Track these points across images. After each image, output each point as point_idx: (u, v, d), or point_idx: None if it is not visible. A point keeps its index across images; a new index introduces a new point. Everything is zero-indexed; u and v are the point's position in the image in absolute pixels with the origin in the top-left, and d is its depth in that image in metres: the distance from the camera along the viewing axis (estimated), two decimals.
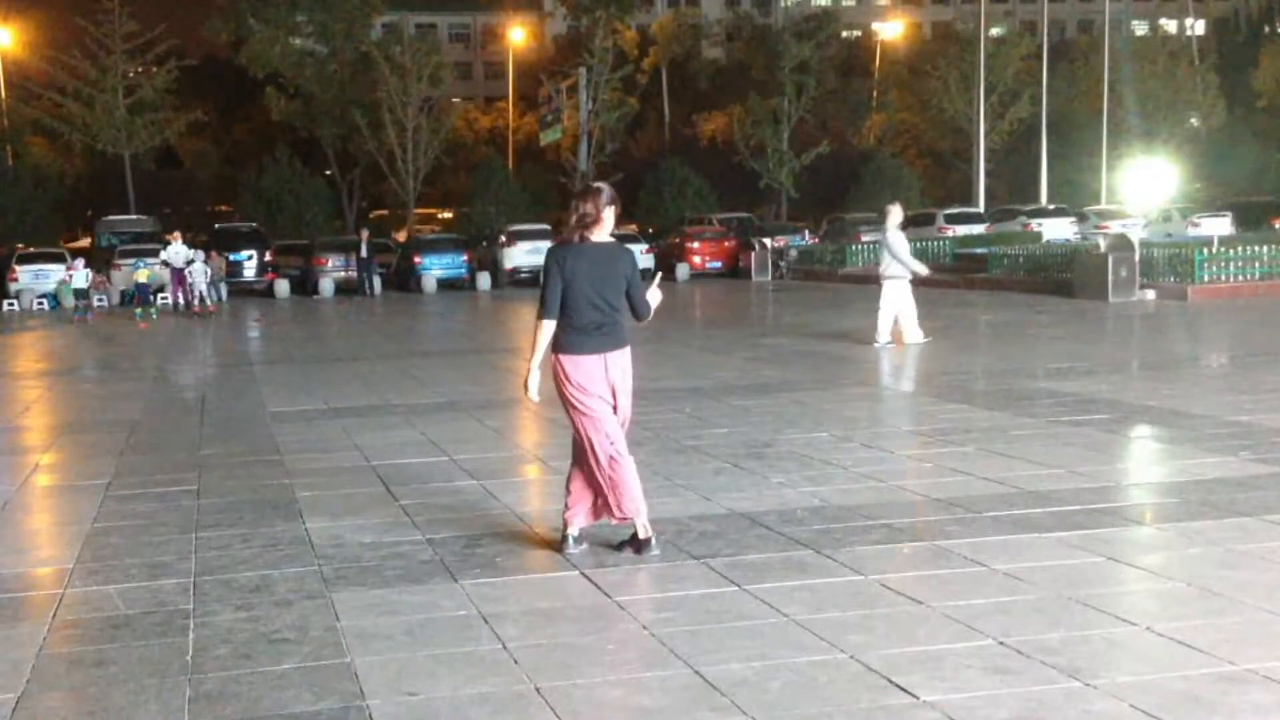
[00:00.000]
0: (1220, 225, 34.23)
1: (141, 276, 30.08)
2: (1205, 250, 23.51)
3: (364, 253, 34.17)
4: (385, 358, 16.97)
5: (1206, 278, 22.82)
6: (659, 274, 6.44)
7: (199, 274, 28.99)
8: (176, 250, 29.15)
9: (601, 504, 6.17)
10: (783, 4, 67.45)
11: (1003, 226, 39.55)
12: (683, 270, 37.74)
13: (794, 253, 37.39)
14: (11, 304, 33.13)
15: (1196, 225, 36.55)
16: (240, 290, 35.43)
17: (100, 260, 35.12)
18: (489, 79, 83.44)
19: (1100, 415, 9.94)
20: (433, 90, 49.78)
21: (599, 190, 6.10)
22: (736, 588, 5.58)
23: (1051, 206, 42.91)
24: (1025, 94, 51.09)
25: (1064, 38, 72.61)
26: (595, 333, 6.03)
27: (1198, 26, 69.01)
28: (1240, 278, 23.15)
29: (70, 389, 15.03)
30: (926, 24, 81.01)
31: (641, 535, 6.15)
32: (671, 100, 70.24)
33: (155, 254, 31.56)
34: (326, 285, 35.07)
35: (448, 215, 61.98)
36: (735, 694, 4.35)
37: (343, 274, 35.92)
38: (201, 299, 28.84)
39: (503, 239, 37.50)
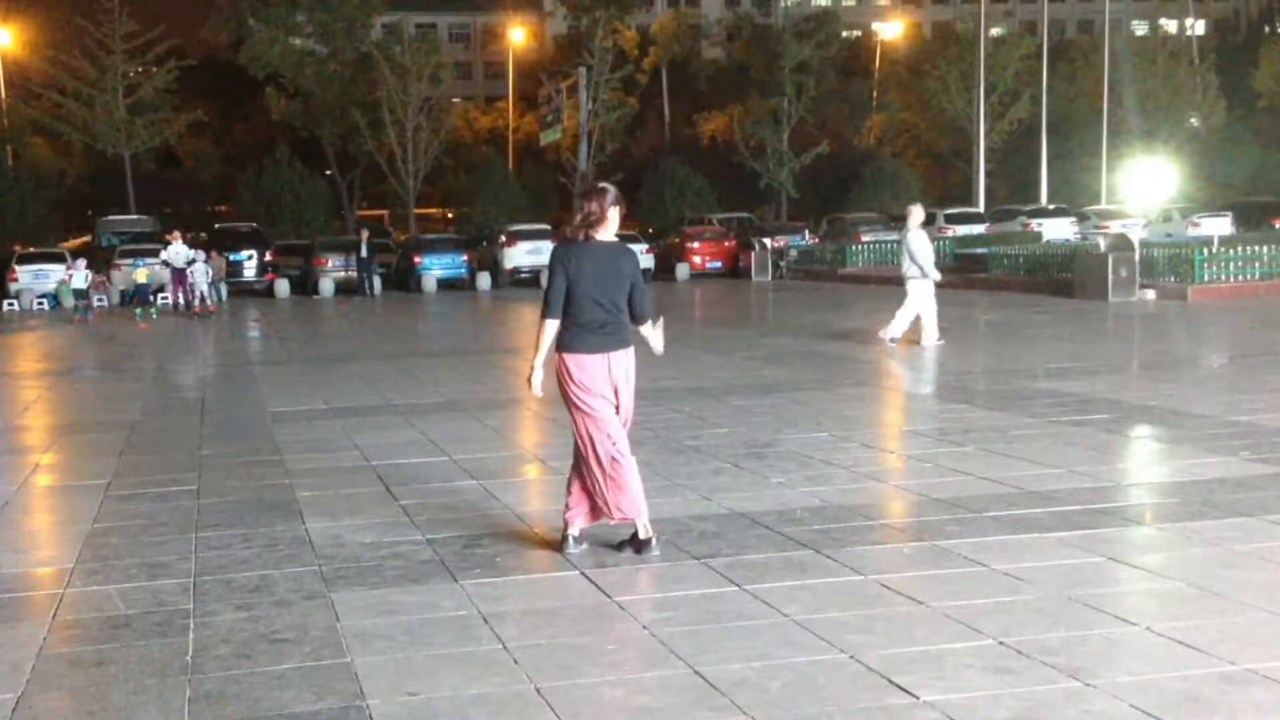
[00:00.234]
0: (1220, 225, 34.23)
1: (140, 276, 30.09)
2: (1205, 250, 23.51)
3: (364, 253, 34.18)
4: (385, 358, 16.97)
5: (1206, 278, 22.83)
6: (662, 318, 6.46)
7: (200, 274, 29.00)
8: (177, 250, 29.14)
9: (601, 504, 6.16)
10: (783, 4, 67.41)
11: (1003, 226, 39.58)
12: (683, 270, 37.75)
13: (794, 253, 37.40)
14: (11, 304, 33.14)
15: (1196, 225, 36.55)
16: (240, 290, 35.45)
17: (100, 260, 35.11)
18: (489, 79, 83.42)
19: (1100, 415, 9.94)
20: (433, 90, 49.81)
21: (604, 190, 6.11)
22: (736, 588, 5.58)
23: (1051, 206, 42.93)
24: (1025, 94, 51.12)
25: (1064, 38, 72.59)
26: (599, 332, 6.03)
27: (1198, 26, 68.98)
28: (1240, 278, 23.15)
29: (70, 389, 15.03)
30: (926, 24, 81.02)
31: (642, 535, 6.15)
32: (671, 100, 70.25)
33: (155, 254, 31.57)
34: (326, 285, 35.07)
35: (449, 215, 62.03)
36: (735, 694, 4.35)
37: (343, 274, 35.92)
38: (202, 299, 28.84)
39: (503, 239, 37.51)
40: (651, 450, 8.78)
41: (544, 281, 28.38)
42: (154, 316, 28.16)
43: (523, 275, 36.13)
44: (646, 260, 33.37)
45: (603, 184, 6.22)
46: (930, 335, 15.84)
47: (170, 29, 47.96)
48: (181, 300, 29.20)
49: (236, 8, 52.22)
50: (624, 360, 6.12)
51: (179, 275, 29.09)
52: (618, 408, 6.13)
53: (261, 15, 51.27)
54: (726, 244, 39.43)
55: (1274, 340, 15.85)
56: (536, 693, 4.42)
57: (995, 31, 55.79)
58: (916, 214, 16.20)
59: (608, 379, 6.07)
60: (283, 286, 35.35)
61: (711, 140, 62.37)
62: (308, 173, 49.11)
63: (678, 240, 40.43)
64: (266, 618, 5.36)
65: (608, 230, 6.09)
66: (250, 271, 36.29)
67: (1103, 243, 24.11)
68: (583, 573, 5.91)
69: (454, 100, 63.86)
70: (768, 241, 37.24)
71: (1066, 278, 24.37)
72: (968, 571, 5.74)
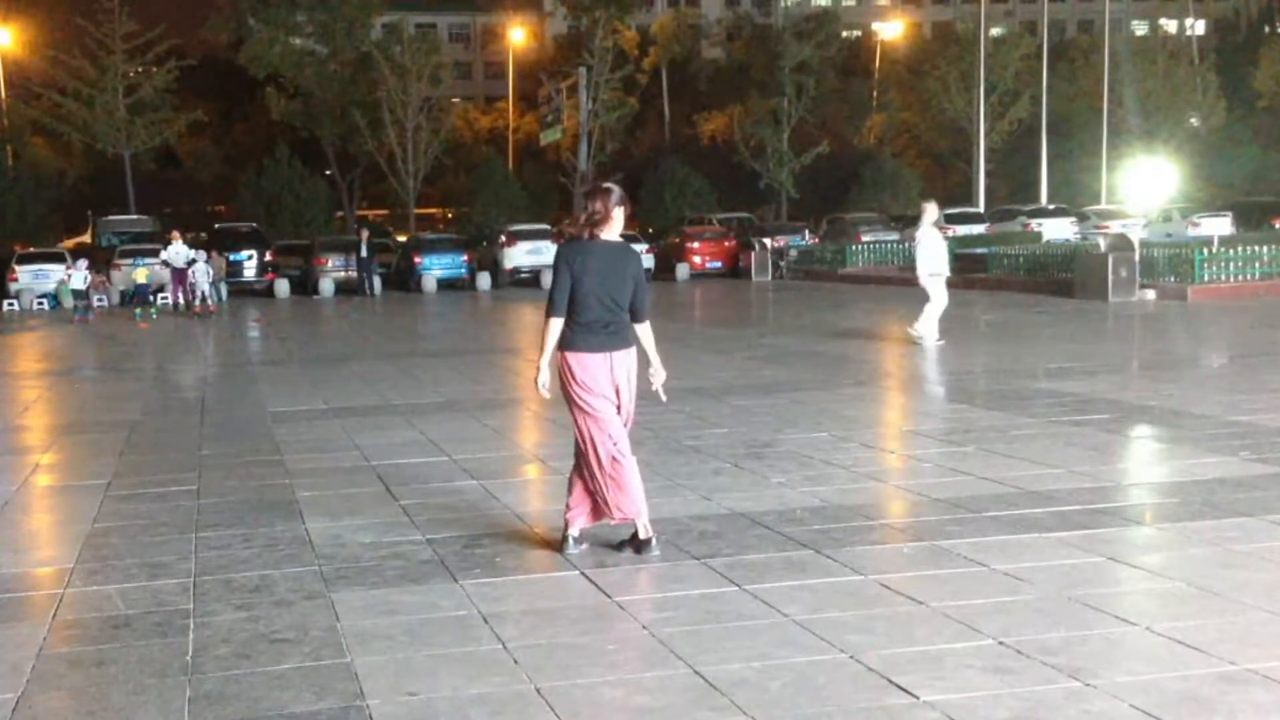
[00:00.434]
0: (1220, 225, 34.23)
1: (140, 276, 30.08)
2: (1205, 250, 23.51)
3: (364, 253, 34.18)
4: (385, 357, 16.97)
5: (1206, 278, 22.82)
6: (665, 376, 6.45)
7: (201, 274, 29.01)
8: (177, 250, 29.15)
9: (602, 504, 6.16)
10: (783, 4, 67.45)
11: (1003, 226, 39.58)
12: (683, 270, 37.73)
13: (794, 253, 37.39)
14: (11, 304, 33.14)
15: (1196, 225, 36.56)
16: (240, 290, 35.45)
17: (100, 260, 35.12)
18: (489, 79, 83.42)
19: (1100, 415, 9.94)
20: (433, 90, 49.81)
21: (609, 190, 6.12)
22: (736, 588, 5.58)
23: (1051, 206, 42.93)
24: (1025, 94, 51.12)
25: (1064, 38, 72.61)
26: (602, 331, 6.03)
27: (1198, 26, 69.01)
28: (1240, 278, 23.15)
29: (70, 389, 15.03)
30: (926, 24, 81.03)
31: (642, 535, 6.15)
32: (671, 100, 70.22)
33: (155, 254, 31.57)
34: (326, 285, 35.07)
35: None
36: (735, 694, 4.35)
37: (343, 274, 35.92)
38: (203, 299, 28.85)
39: (503, 239, 37.52)
40: (651, 450, 8.78)
41: (544, 282, 28.23)
42: (154, 316, 28.17)
43: (523, 275, 36.12)
44: (647, 260, 33.35)
45: (607, 184, 6.23)
46: (931, 334, 15.83)
47: (170, 29, 48.05)
48: (181, 300, 29.20)
49: (236, 8, 52.22)
50: (626, 360, 6.13)
51: (179, 275, 29.11)
52: (619, 407, 6.13)
53: (261, 15, 51.27)
54: (726, 244, 39.42)
55: (1274, 340, 15.85)
56: (536, 693, 4.42)
57: (995, 31, 55.79)
58: (930, 212, 16.06)
59: (609, 378, 6.07)
60: (283, 286, 35.35)
61: (711, 140, 62.35)
62: (308, 173, 49.11)
63: (678, 240, 40.42)
64: (266, 618, 5.36)
65: (613, 230, 6.09)
66: (250, 271, 36.29)
67: (1103, 243, 24.11)
68: (583, 573, 5.91)
69: (454, 100, 63.88)
70: (768, 241, 37.23)
71: (1066, 278, 24.37)
72: (968, 571, 5.74)
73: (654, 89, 68.43)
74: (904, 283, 23.07)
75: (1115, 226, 33.85)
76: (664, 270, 37.71)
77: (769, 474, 8.04)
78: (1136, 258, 22.77)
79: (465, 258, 36.48)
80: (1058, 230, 37.84)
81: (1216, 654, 4.58)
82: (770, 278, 35.53)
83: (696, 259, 38.66)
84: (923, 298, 15.87)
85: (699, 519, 6.86)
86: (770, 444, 9.13)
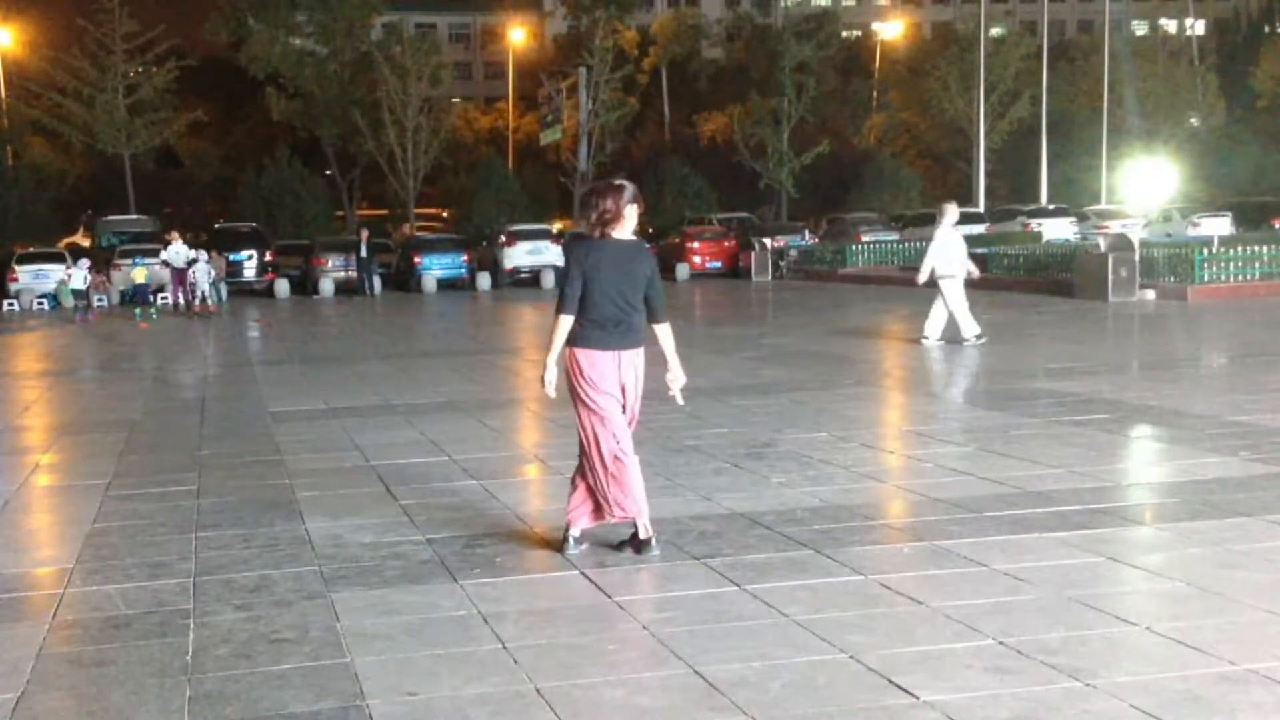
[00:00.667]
0: (1220, 225, 34.24)
1: (139, 276, 30.08)
2: (1205, 250, 23.51)
3: (364, 253, 34.17)
4: (385, 358, 16.97)
5: (1206, 278, 22.82)
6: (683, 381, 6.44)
7: (201, 274, 29.01)
8: (177, 250, 29.15)
9: (603, 502, 6.15)
10: (783, 4, 67.49)
11: (1003, 226, 39.60)
12: (683, 270, 37.73)
13: (794, 253, 37.38)
14: (11, 304, 33.14)
15: (1196, 225, 36.57)
16: (240, 290, 35.44)
17: (100, 260, 35.13)
18: (489, 79, 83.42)
19: (1100, 415, 9.93)
20: (433, 90, 49.78)
21: (621, 187, 6.05)
22: (736, 588, 5.58)
23: (1051, 206, 42.96)
24: (1025, 94, 51.10)
25: (1064, 38, 72.63)
26: (613, 330, 6.01)
27: (1198, 26, 69.03)
28: (1240, 278, 23.14)
29: (70, 389, 15.03)
30: (926, 24, 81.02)
31: (642, 535, 6.15)
32: (671, 100, 70.21)
33: (155, 254, 31.56)
34: (326, 285, 35.06)
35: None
36: (735, 694, 4.35)
37: (343, 274, 35.91)
38: (203, 299, 28.85)
39: (503, 239, 37.52)
40: (651, 450, 8.77)
41: (544, 282, 28.26)
42: (154, 316, 28.17)
43: (522, 275, 36.12)
44: None
45: (620, 181, 6.15)
46: (933, 333, 15.85)
47: (170, 29, 48.00)
48: (181, 300, 29.20)
49: (236, 8, 52.19)
50: (634, 360, 6.11)
51: (179, 275, 29.11)
52: (624, 406, 6.12)
53: (261, 15, 51.25)
54: (726, 244, 39.40)
55: (1274, 340, 15.85)
56: (536, 693, 4.42)
57: (995, 31, 55.79)
58: (950, 212, 16.02)
59: (616, 377, 6.06)
60: (283, 286, 35.34)
61: (711, 140, 62.33)
62: (308, 173, 49.11)
63: (678, 240, 40.40)
64: (266, 618, 5.36)
65: (624, 228, 6.05)
66: (250, 271, 36.28)
67: (1103, 243, 24.10)
68: (583, 573, 5.91)
69: (454, 100, 63.81)
70: (768, 241, 37.22)
71: (1066, 278, 24.37)
72: (968, 571, 5.74)
73: (654, 89, 68.44)
74: (904, 283, 23.07)
75: (1115, 226, 33.85)
76: (664, 270, 37.34)
77: (769, 474, 8.04)
78: (1136, 258, 22.77)
79: (465, 258, 36.48)
80: (1058, 230, 37.86)
81: (1216, 654, 4.58)
82: (770, 278, 35.52)
83: (696, 259, 38.65)
84: (937, 298, 15.88)
85: (699, 519, 6.86)
86: (770, 444, 9.13)
